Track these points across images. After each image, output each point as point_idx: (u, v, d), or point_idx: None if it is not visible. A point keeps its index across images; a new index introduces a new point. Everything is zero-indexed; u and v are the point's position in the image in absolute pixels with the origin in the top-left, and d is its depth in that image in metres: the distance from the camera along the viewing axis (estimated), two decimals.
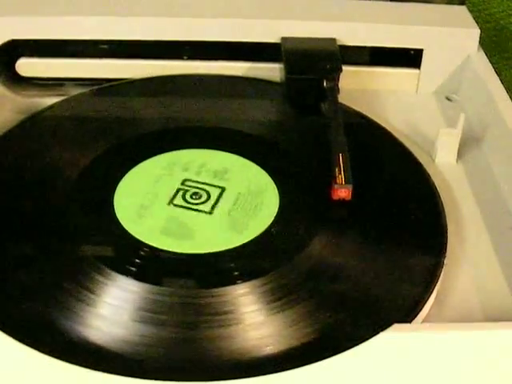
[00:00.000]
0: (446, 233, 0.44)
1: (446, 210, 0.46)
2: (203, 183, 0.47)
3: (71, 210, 0.45)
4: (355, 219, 0.45)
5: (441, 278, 0.41)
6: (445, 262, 0.42)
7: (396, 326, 0.37)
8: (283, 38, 0.56)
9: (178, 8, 0.58)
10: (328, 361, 0.36)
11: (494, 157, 0.52)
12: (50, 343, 0.36)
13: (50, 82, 0.58)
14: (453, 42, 0.58)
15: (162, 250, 0.42)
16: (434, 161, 0.52)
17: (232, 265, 0.41)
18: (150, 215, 0.44)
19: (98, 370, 0.35)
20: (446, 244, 0.44)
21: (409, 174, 0.49)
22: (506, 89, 0.54)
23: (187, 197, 0.46)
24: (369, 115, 0.54)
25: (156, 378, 0.35)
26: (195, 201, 0.45)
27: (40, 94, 0.57)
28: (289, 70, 0.54)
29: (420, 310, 0.39)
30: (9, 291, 0.40)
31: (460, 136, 0.51)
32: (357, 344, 0.36)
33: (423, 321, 0.40)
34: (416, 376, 0.35)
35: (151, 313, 0.38)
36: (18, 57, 0.57)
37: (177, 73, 0.58)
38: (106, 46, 0.57)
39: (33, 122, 0.52)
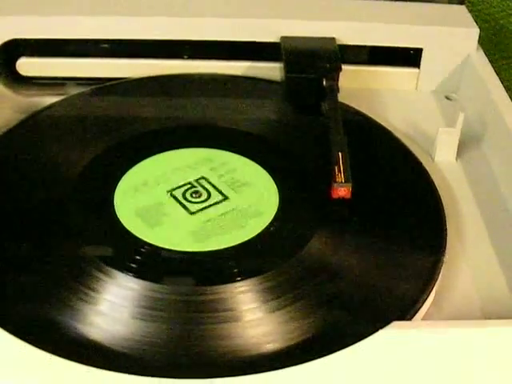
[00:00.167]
0: (446, 231, 0.44)
1: (445, 209, 0.46)
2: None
3: (71, 208, 0.45)
4: (355, 218, 0.45)
5: (440, 276, 0.42)
6: (444, 260, 0.42)
7: (395, 323, 0.37)
8: (283, 38, 0.57)
9: (178, 7, 0.58)
10: (327, 358, 0.36)
11: (493, 155, 0.52)
12: (50, 341, 0.37)
13: (51, 82, 0.58)
14: (452, 42, 0.58)
15: (162, 248, 0.42)
16: (433, 159, 0.52)
17: (232, 263, 0.41)
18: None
19: (98, 368, 0.35)
20: (445, 242, 0.44)
21: (408, 173, 0.49)
22: (505, 88, 0.54)
23: (191, 199, 0.46)
24: (368, 114, 0.54)
25: (156, 375, 0.35)
26: (199, 199, 0.45)
27: (40, 93, 0.57)
28: (288, 70, 0.54)
29: (419, 307, 0.40)
30: (9, 289, 0.40)
31: (459, 135, 0.51)
32: (356, 341, 0.36)
33: (422, 318, 0.40)
34: (415, 373, 0.36)
35: (151, 310, 0.38)
36: (18, 56, 0.57)
37: (177, 72, 0.58)
38: (106, 46, 0.58)
39: (33, 122, 0.52)
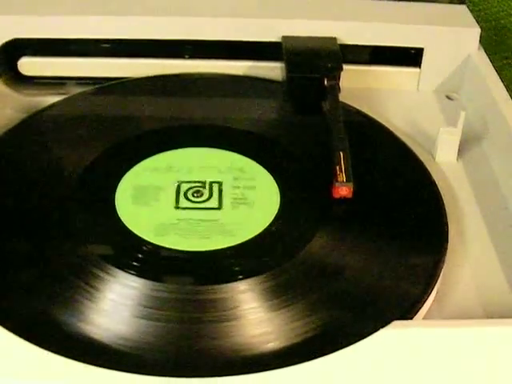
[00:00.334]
0: (447, 230, 0.44)
1: (446, 208, 0.46)
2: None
3: (73, 207, 0.45)
4: (356, 217, 0.45)
5: (441, 276, 0.42)
6: (445, 259, 0.42)
7: (396, 322, 0.38)
8: (284, 37, 0.57)
9: (180, 7, 0.58)
10: (328, 357, 0.36)
11: (494, 155, 0.52)
12: (51, 339, 0.37)
13: (52, 81, 0.58)
14: (453, 41, 0.58)
15: (163, 248, 0.42)
16: (434, 159, 0.52)
17: (233, 262, 0.41)
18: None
19: (99, 366, 0.35)
20: (446, 242, 0.44)
21: (409, 173, 0.49)
22: (506, 87, 0.54)
23: (190, 197, 0.46)
24: (369, 114, 0.54)
25: (156, 374, 0.35)
26: (197, 199, 0.46)
27: (42, 92, 0.57)
28: (290, 69, 0.54)
29: (420, 307, 0.40)
30: (11, 287, 0.40)
31: (460, 134, 0.51)
32: (357, 340, 0.36)
33: (424, 318, 0.40)
34: (416, 372, 0.36)
35: (152, 309, 0.38)
36: (20, 56, 0.57)
37: (178, 72, 0.58)
38: (107, 45, 0.58)
39: (34, 121, 0.52)
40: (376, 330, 0.37)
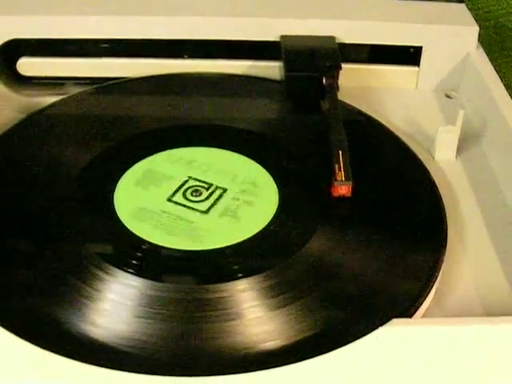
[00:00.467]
0: (446, 229, 0.44)
1: (445, 207, 0.46)
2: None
3: (72, 207, 0.45)
4: (355, 216, 0.45)
5: (440, 274, 0.42)
6: (444, 257, 0.42)
7: (395, 320, 0.38)
8: (282, 37, 0.57)
9: (178, 7, 0.58)
10: (328, 355, 0.36)
11: (493, 153, 0.52)
12: (50, 338, 0.37)
13: (51, 82, 0.58)
14: (452, 40, 0.58)
15: (162, 247, 0.42)
16: (433, 158, 0.52)
17: (232, 261, 0.41)
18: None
19: (99, 366, 0.35)
20: (445, 240, 0.44)
21: (408, 171, 0.49)
22: (505, 86, 0.54)
23: (187, 194, 0.46)
24: (368, 113, 0.54)
25: (156, 373, 0.35)
26: (192, 198, 0.46)
27: (41, 93, 0.57)
28: (288, 68, 0.54)
29: (420, 305, 0.40)
30: (10, 287, 0.40)
31: (459, 133, 0.51)
32: (356, 339, 0.36)
33: (423, 316, 0.40)
34: (415, 371, 0.36)
35: (151, 308, 0.38)
36: (18, 56, 0.57)
37: (177, 71, 0.58)
38: (106, 45, 0.58)
39: (33, 121, 0.52)
40: (375, 328, 0.37)
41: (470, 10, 0.61)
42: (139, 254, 0.42)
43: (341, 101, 0.52)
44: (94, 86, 0.56)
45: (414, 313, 0.39)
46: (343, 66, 0.54)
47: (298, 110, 0.54)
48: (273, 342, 0.37)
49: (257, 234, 0.43)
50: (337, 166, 0.46)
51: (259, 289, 0.40)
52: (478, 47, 0.58)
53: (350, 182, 0.45)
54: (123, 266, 0.40)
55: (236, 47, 0.58)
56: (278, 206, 0.45)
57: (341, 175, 0.46)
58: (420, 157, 0.50)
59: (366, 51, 0.59)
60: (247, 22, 0.57)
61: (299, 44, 0.56)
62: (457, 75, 0.59)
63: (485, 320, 0.39)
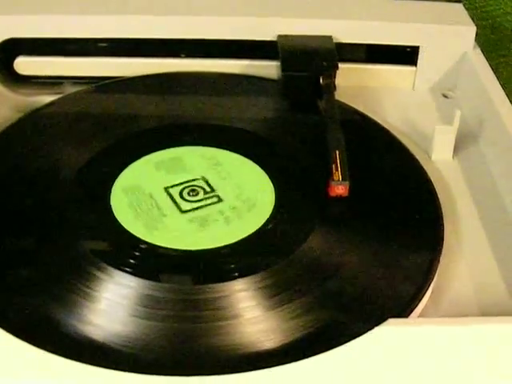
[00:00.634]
0: (443, 228, 0.45)
1: (442, 206, 0.46)
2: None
3: (69, 206, 0.45)
4: (352, 216, 0.45)
5: (437, 274, 0.42)
6: (441, 257, 0.43)
7: (392, 320, 0.38)
8: (280, 36, 0.57)
9: (176, 6, 0.58)
10: (324, 355, 0.36)
11: (490, 153, 0.52)
12: (48, 338, 0.37)
13: (48, 81, 0.58)
14: (449, 40, 0.58)
15: (160, 247, 0.42)
16: (430, 157, 0.52)
17: (229, 261, 0.41)
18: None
19: (96, 365, 0.35)
20: (442, 240, 0.44)
21: (405, 171, 0.49)
22: (501, 86, 0.54)
23: (187, 197, 0.46)
24: (365, 112, 0.54)
25: (153, 373, 0.35)
26: (197, 197, 0.46)
27: (38, 92, 0.57)
28: (285, 68, 0.54)
29: (416, 305, 0.40)
30: (6, 286, 0.40)
31: (456, 133, 0.51)
32: (352, 339, 0.36)
33: (419, 316, 0.40)
34: (411, 370, 0.36)
35: (149, 308, 0.38)
36: (16, 55, 0.57)
37: (174, 71, 0.58)
38: (103, 45, 0.58)
39: (31, 120, 0.52)
40: (371, 328, 0.37)
41: (467, 9, 0.61)
42: (136, 254, 0.42)
43: (338, 100, 0.52)
44: (92, 85, 0.56)
45: (411, 313, 0.39)
46: (340, 65, 0.54)
47: (295, 109, 0.54)
48: (269, 342, 0.37)
49: (253, 233, 0.43)
50: (334, 166, 0.46)
51: (256, 289, 0.40)
52: (475, 47, 0.58)
53: (347, 182, 0.45)
54: (120, 265, 0.40)
55: (233, 46, 0.58)
56: (275, 206, 0.45)
57: (338, 175, 0.46)
58: (417, 157, 0.50)
59: (363, 51, 0.59)
60: (244, 21, 0.57)
61: (296, 43, 0.56)
62: (454, 75, 0.59)
63: (481, 320, 0.40)
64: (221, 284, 0.40)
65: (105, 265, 0.40)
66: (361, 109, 0.55)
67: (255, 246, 0.43)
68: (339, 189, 0.45)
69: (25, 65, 0.57)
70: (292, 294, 0.40)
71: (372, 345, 0.36)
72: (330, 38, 0.57)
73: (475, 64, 0.57)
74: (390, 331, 0.37)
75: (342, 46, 0.57)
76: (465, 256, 0.45)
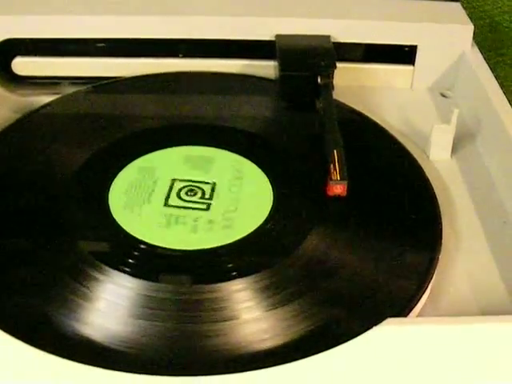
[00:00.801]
0: (441, 228, 0.45)
1: (440, 206, 0.46)
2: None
3: (66, 207, 0.45)
4: (350, 215, 0.45)
5: (435, 273, 0.42)
6: (439, 256, 0.43)
7: (390, 320, 0.38)
8: (277, 36, 0.57)
9: (173, 6, 0.58)
10: (322, 355, 0.36)
11: (488, 152, 0.52)
12: (45, 339, 0.37)
13: (46, 81, 0.58)
14: (447, 39, 0.58)
15: (158, 247, 0.42)
16: (428, 157, 0.52)
17: (228, 261, 0.41)
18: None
19: (95, 366, 0.35)
20: (440, 239, 0.44)
21: (403, 170, 0.49)
22: (500, 85, 0.54)
23: (182, 194, 0.46)
24: (363, 112, 0.54)
25: (152, 373, 0.35)
26: (191, 198, 0.46)
27: (36, 92, 0.57)
28: (283, 68, 0.54)
29: (414, 304, 0.40)
30: (5, 287, 0.40)
31: (454, 132, 0.51)
32: (351, 338, 0.36)
33: (418, 315, 0.40)
34: (410, 370, 0.36)
35: (147, 308, 0.38)
36: (13, 56, 0.57)
37: (172, 70, 0.58)
38: (101, 45, 0.58)
39: (29, 121, 0.52)
40: (370, 327, 0.37)
41: (465, 8, 0.61)
42: (134, 254, 0.42)
43: (336, 100, 0.52)
44: (89, 86, 0.56)
45: (409, 312, 0.39)
46: (338, 65, 0.54)
47: (293, 109, 0.54)
48: (268, 342, 0.37)
49: (252, 233, 0.43)
50: (332, 166, 0.46)
51: (254, 289, 0.40)
52: (472, 46, 0.58)
53: (346, 182, 0.45)
54: (118, 266, 0.40)
55: (231, 46, 0.58)
56: (273, 205, 0.45)
57: (336, 174, 0.46)
58: (415, 156, 0.50)
59: (361, 50, 0.59)
60: (242, 21, 0.57)
61: (294, 43, 0.56)
62: (452, 74, 0.59)
63: (480, 319, 0.40)
64: (219, 284, 0.40)
65: (103, 265, 0.40)
66: (359, 108, 0.54)
67: (254, 245, 0.43)
68: (337, 188, 0.45)
69: (23, 65, 0.57)
70: (290, 294, 0.40)
71: (371, 344, 0.36)
72: (327, 37, 0.57)
73: (473, 63, 0.57)
74: (388, 331, 0.37)
75: (339, 46, 0.57)
76: (463, 255, 0.45)
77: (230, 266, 0.41)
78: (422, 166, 0.49)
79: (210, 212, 0.45)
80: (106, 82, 0.57)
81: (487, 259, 0.45)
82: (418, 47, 0.58)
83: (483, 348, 0.37)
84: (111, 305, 0.39)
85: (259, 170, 0.48)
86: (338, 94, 0.53)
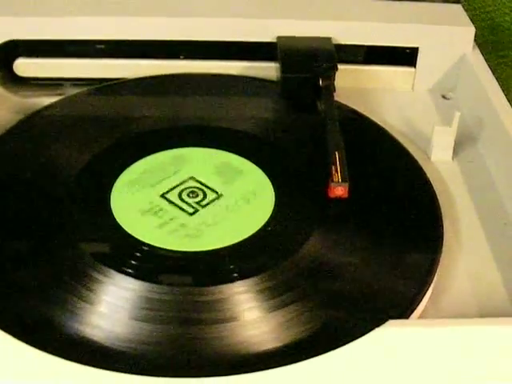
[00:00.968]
0: (442, 230, 0.45)
1: (441, 207, 0.46)
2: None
3: (69, 208, 0.45)
4: (352, 217, 0.45)
5: (436, 275, 0.42)
6: (440, 258, 0.43)
7: (391, 321, 0.38)
8: (279, 37, 0.57)
9: (175, 8, 0.58)
10: (324, 356, 0.36)
11: (489, 154, 0.52)
12: (47, 340, 0.37)
13: (48, 82, 0.58)
14: (448, 41, 0.58)
15: (159, 249, 0.42)
16: (429, 158, 0.52)
17: (229, 263, 0.41)
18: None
19: (95, 367, 0.35)
20: (441, 241, 0.44)
21: (405, 172, 0.49)
22: (500, 87, 0.54)
23: (183, 193, 0.46)
24: (365, 113, 0.54)
25: (153, 375, 0.35)
26: (187, 199, 0.46)
27: (38, 93, 0.57)
28: (285, 69, 0.54)
29: (416, 306, 0.40)
30: (6, 288, 0.40)
31: (455, 133, 0.52)
32: (353, 340, 0.37)
33: (419, 317, 0.40)
34: (411, 372, 0.36)
35: (149, 310, 0.38)
36: (15, 57, 0.57)
37: (173, 72, 0.58)
38: (103, 46, 0.58)
39: (31, 122, 0.52)
40: (371, 329, 0.37)
41: (466, 10, 0.61)
42: (136, 256, 0.42)
43: (337, 102, 0.53)
44: (91, 87, 0.56)
45: (411, 314, 0.39)
46: (339, 66, 0.54)
47: (294, 111, 0.54)
48: (269, 344, 0.37)
49: (253, 235, 0.43)
50: (333, 167, 0.46)
51: (256, 291, 0.40)
52: (474, 48, 0.58)
53: (347, 184, 0.45)
54: (120, 268, 0.40)
55: (232, 48, 0.58)
56: (275, 207, 0.45)
57: (337, 176, 0.46)
58: (416, 158, 0.50)
59: (363, 52, 0.59)
60: (244, 22, 0.57)
61: (295, 45, 0.56)
62: (453, 76, 0.59)
63: (480, 321, 0.40)
64: (221, 286, 0.40)
65: (105, 267, 0.40)
66: (360, 110, 0.55)
67: (255, 247, 0.43)
68: (339, 190, 0.45)
69: (24, 66, 0.57)
70: (292, 296, 0.40)
71: (372, 346, 0.37)
72: (329, 39, 0.57)
73: (474, 65, 0.57)
74: (390, 332, 0.37)
75: (341, 48, 0.57)
76: (464, 256, 0.45)
77: (232, 267, 0.41)
78: (424, 168, 0.49)
79: (191, 218, 0.44)
80: (108, 83, 0.57)
81: (488, 260, 0.45)
82: (420, 49, 0.58)
83: (484, 350, 0.37)
84: (112, 306, 0.39)
85: (260, 171, 0.48)
86: (340, 96, 0.53)
